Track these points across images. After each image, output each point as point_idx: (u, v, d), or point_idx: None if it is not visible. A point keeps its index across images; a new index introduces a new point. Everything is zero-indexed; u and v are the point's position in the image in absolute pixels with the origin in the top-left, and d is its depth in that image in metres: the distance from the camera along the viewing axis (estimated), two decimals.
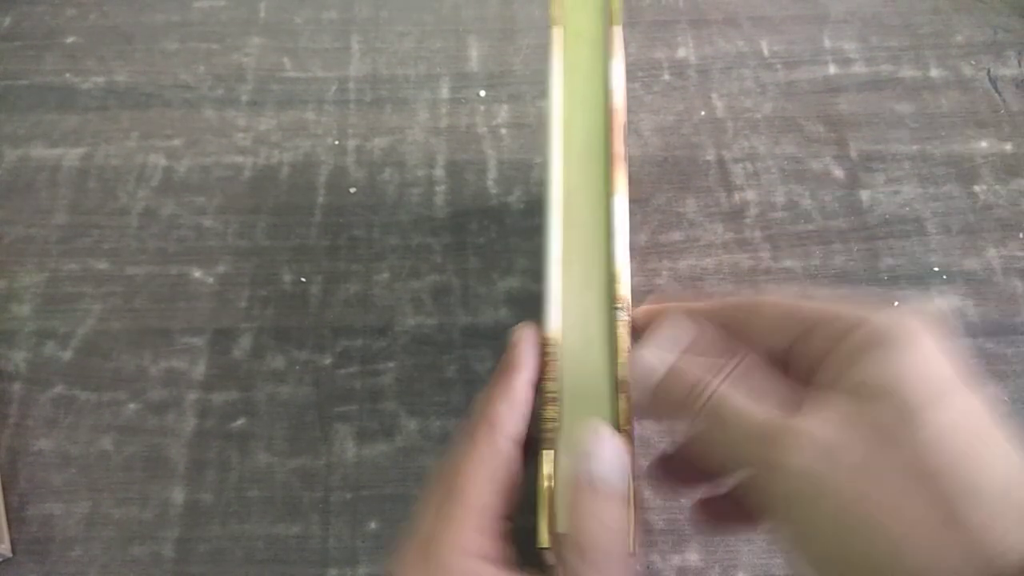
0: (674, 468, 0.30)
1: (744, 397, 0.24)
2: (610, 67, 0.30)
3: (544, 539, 0.24)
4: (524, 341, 0.27)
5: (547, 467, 0.26)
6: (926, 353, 0.21)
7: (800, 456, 0.21)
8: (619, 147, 0.29)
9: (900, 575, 0.19)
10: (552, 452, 0.26)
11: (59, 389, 0.44)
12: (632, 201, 0.47)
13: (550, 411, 0.26)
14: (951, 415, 0.20)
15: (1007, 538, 0.18)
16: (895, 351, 0.21)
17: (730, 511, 0.28)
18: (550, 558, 0.24)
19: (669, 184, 0.50)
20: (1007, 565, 0.18)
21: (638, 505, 0.25)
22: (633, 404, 0.26)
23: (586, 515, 0.23)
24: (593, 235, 0.29)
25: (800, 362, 0.24)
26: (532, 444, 0.26)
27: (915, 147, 0.52)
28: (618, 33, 0.31)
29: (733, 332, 0.26)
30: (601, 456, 0.24)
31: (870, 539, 0.19)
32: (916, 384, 0.20)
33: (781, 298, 0.25)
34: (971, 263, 0.48)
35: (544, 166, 0.31)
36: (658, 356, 0.26)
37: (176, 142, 0.51)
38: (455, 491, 0.24)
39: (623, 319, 0.27)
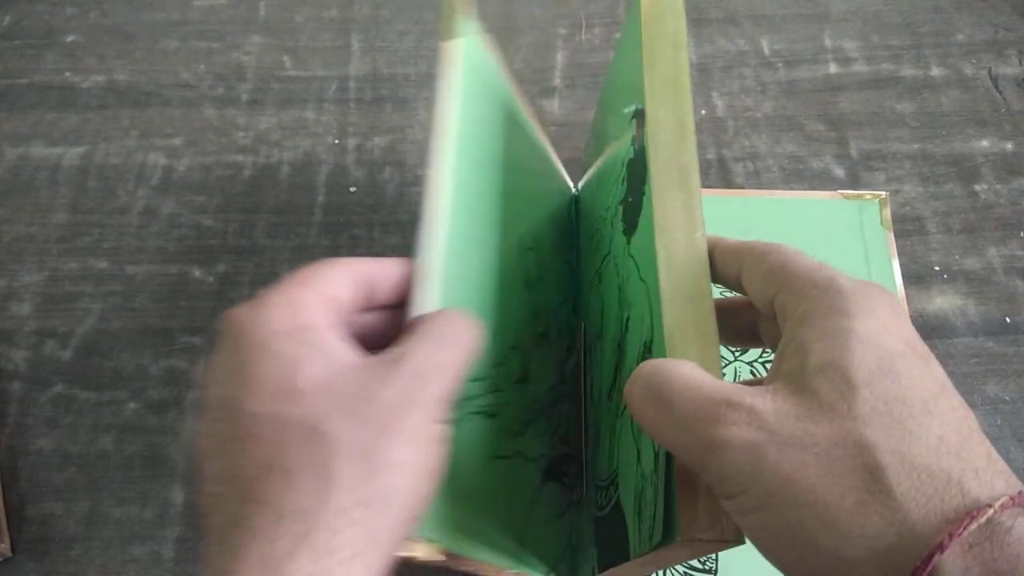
0: None
1: (693, 370, 0.23)
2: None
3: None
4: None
5: None
6: (880, 323, 0.21)
7: (740, 430, 0.21)
8: None
9: (829, 543, 0.20)
10: None
11: (59, 388, 0.44)
12: None
13: None
14: (893, 388, 0.20)
15: (927, 506, 0.19)
16: (848, 319, 0.21)
17: None
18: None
19: None
20: (925, 531, 0.19)
21: None
22: None
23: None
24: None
25: (779, 317, 0.24)
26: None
27: (916, 146, 0.52)
28: None
29: (741, 279, 0.26)
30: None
31: (803, 509, 0.20)
32: (863, 359, 0.21)
33: (784, 251, 0.25)
34: (972, 262, 0.48)
35: (427, 179, 0.29)
36: None
37: (176, 141, 0.51)
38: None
39: None
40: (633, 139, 0.30)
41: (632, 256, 0.30)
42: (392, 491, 0.23)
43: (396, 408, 0.24)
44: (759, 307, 0.25)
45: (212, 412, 0.24)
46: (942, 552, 0.18)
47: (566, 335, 0.42)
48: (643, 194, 0.28)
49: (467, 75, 0.33)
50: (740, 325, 0.28)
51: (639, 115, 0.30)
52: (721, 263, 0.26)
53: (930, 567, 0.18)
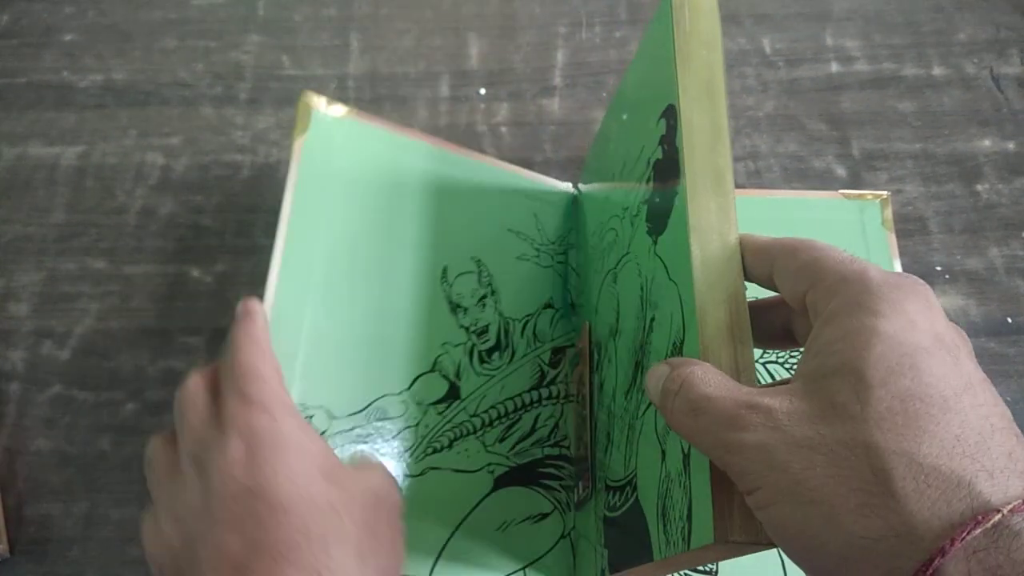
0: None
1: (719, 378, 0.23)
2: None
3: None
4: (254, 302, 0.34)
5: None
6: (907, 319, 0.21)
7: (755, 432, 0.21)
8: None
9: (831, 542, 0.19)
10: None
11: (57, 389, 0.44)
12: None
13: None
14: (912, 386, 0.20)
15: (932, 509, 0.18)
16: (873, 317, 0.21)
17: None
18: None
19: None
20: (927, 535, 0.18)
21: None
22: None
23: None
24: None
25: (811, 315, 0.24)
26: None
27: (918, 146, 0.52)
28: None
29: (773, 277, 0.26)
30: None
31: (808, 508, 0.20)
32: (881, 357, 0.20)
33: (815, 246, 0.25)
34: (973, 262, 0.48)
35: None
36: None
37: (174, 140, 0.51)
38: (239, 364, 0.31)
39: None
40: (662, 139, 0.30)
41: (659, 256, 0.29)
42: (391, 564, 0.29)
43: (384, 498, 0.31)
44: (792, 304, 0.25)
45: (230, 497, 0.27)
46: (943, 557, 0.18)
47: (550, 338, 0.42)
48: (675, 195, 0.28)
49: (328, 157, 0.41)
50: (773, 325, 0.28)
51: (668, 115, 0.29)
52: (752, 261, 0.26)
53: (929, 572, 0.18)
